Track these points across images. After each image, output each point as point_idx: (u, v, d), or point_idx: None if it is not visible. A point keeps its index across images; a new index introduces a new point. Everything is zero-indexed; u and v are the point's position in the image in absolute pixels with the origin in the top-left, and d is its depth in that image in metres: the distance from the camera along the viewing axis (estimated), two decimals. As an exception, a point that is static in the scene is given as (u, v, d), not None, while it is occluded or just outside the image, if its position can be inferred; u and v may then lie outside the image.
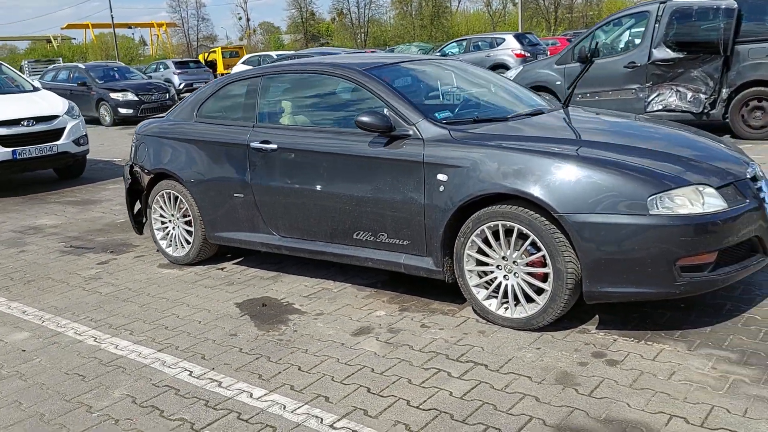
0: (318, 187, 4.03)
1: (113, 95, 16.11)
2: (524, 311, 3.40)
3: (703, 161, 3.42)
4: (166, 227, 5.03)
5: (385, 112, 3.79)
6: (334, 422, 2.71)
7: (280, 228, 4.33)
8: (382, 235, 3.82)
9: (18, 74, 9.69)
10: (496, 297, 3.50)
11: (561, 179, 3.22)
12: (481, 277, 3.53)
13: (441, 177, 3.54)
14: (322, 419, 2.74)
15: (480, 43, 19.05)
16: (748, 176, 3.41)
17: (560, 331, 3.40)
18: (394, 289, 4.14)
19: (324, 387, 3.00)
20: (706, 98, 8.84)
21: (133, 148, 5.20)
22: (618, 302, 3.51)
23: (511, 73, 10.69)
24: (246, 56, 25.93)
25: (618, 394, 2.78)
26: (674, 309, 3.58)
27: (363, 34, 75.49)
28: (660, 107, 9.19)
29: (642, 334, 3.31)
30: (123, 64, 19.72)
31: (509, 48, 17.82)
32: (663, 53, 9.03)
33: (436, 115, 3.81)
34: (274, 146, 4.22)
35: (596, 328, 3.42)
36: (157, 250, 5.16)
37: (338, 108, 4.24)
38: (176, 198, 4.88)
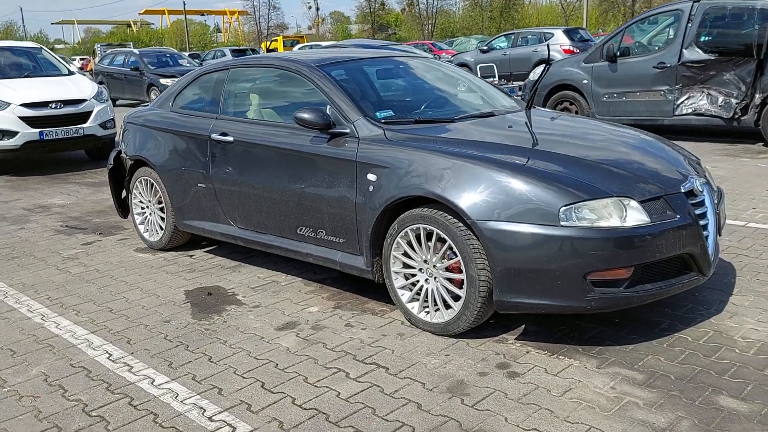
0: (266, 181, 4.08)
1: (163, 81, 16.59)
2: (442, 317, 3.37)
3: (636, 173, 3.29)
4: (144, 213, 5.19)
5: (327, 108, 3.80)
6: (214, 414, 2.76)
7: (237, 220, 4.40)
8: (321, 231, 3.84)
9: (56, 58, 10.11)
10: (418, 300, 3.47)
11: (476, 185, 3.16)
12: (407, 279, 3.51)
13: (371, 177, 3.53)
14: (204, 410, 2.79)
15: (529, 37, 18.67)
16: (683, 190, 3.27)
17: (477, 339, 3.35)
18: (340, 286, 4.16)
19: (223, 379, 3.06)
20: (737, 103, 8.45)
21: (121, 135, 5.38)
22: (544, 314, 3.43)
23: (539, 70, 10.45)
24: (299, 46, 26.23)
25: (501, 408, 2.73)
26: (606, 323, 3.47)
27: (431, 26, 75.15)
28: (689, 111, 8.84)
29: (558, 348, 3.23)
30: (176, 51, 20.28)
31: (557, 43, 17.37)
32: (694, 54, 8.68)
33: (378, 114, 3.79)
34: (231, 139, 4.30)
35: (516, 339, 3.35)
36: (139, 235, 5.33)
37: (290, 103, 4.27)
38: (152, 185, 5.02)
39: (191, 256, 4.96)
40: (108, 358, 3.33)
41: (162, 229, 5.03)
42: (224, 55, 24.98)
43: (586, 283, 3.01)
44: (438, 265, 3.35)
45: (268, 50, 34.07)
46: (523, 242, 3.02)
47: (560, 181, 3.10)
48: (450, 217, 3.21)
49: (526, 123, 3.99)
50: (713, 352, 3.13)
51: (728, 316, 3.51)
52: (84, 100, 8.91)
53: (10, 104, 8.39)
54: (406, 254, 3.47)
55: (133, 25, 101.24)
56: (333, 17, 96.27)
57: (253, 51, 26.87)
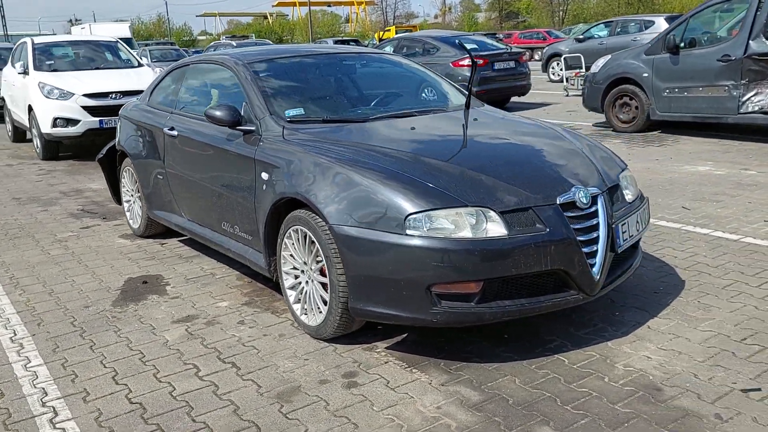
0: (198, 175, 4.20)
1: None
2: (315, 320, 3.32)
3: (511, 181, 3.06)
4: (130, 201, 5.48)
5: (243, 105, 3.84)
6: (50, 400, 2.90)
7: (185, 211, 4.55)
8: (236, 227, 3.90)
9: (129, 52, 10.79)
10: (300, 302, 3.45)
11: (338, 188, 3.09)
12: (295, 279, 3.49)
13: (264, 176, 3.54)
14: (46, 395, 2.94)
15: (630, 25, 17.61)
16: (559, 202, 3.01)
17: (348, 344, 3.28)
18: (266, 282, 4.19)
19: (86, 366, 3.19)
20: (809, 101, 7.58)
21: (117, 126, 5.69)
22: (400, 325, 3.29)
23: (600, 62, 9.87)
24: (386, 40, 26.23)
25: (310, 418, 2.67)
26: (492, 338, 3.28)
27: (562, 12, 72.76)
28: (756, 108, 8.04)
29: (420, 360, 3.10)
30: (270, 42, 20.95)
31: (658, 32, 16.26)
32: (762, 46, 7.86)
33: (288, 112, 3.78)
34: (176, 133, 4.44)
35: (387, 348, 3.24)
36: (132, 222, 5.62)
37: (223, 98, 4.33)
38: (132, 175, 5.28)
39: (162, 244, 5.18)
40: (11, 337, 3.56)
41: (140, 216, 5.29)
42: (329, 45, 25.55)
43: (432, 296, 2.86)
44: (313, 267, 3.30)
45: (381, 40, 34.40)
46: (371, 249, 2.92)
47: (415, 188, 2.96)
48: (319, 219, 3.16)
49: (435, 125, 3.83)
50: (578, 379, 2.88)
51: (631, 341, 3.21)
52: (142, 92, 9.43)
53: (74, 94, 9.07)
54: (292, 255, 3.45)
55: (269, 17, 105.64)
56: (463, 5, 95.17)
57: (356, 42, 27.21)
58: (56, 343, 3.47)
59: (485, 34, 20.94)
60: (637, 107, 9.28)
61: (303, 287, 3.40)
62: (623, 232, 3.18)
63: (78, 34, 34.76)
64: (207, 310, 3.82)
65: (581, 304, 3.19)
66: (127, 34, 33.09)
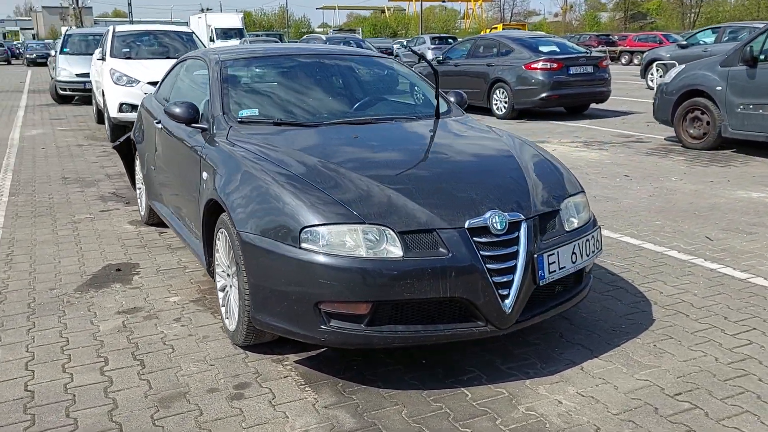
0: (171, 168, 4.27)
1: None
2: (232, 325, 3.28)
3: (420, 200, 2.86)
4: (140, 189, 5.65)
5: (201, 103, 3.86)
6: (-40, 378, 3.02)
7: (165, 202, 4.64)
8: (192, 222, 3.92)
9: (201, 42, 11.17)
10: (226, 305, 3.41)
11: (251, 196, 3.02)
12: (225, 281, 3.46)
13: (204, 175, 3.53)
14: (-41, 373, 3.07)
15: (740, 32, 16.32)
16: (467, 226, 2.79)
17: (260, 353, 3.21)
18: (228, 280, 4.19)
19: (11, 349, 3.30)
20: None
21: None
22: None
23: (673, 71, 9.19)
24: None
25: (175, 426, 2.62)
26: (408, 363, 3.11)
27: (694, 14, 68.93)
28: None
29: (320, 378, 2.98)
30: (360, 38, 21.07)
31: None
32: None
33: (241, 113, 3.75)
34: (160, 126, 4.53)
35: (296, 361, 3.15)
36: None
37: (199, 94, 4.34)
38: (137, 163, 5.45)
39: (160, 233, 5.30)
40: (-32, 313, 3.75)
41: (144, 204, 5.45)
42: (424, 42, 25.36)
43: (321, 314, 2.75)
44: (230, 272, 3.26)
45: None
46: (269, 260, 2.83)
47: (317, 200, 2.84)
48: (231, 225, 3.11)
49: (381, 135, 3.67)
50: (468, 418, 2.67)
51: (552, 381, 2.95)
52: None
53: (139, 82, 9.49)
54: (222, 258, 3.42)
55: (386, 11, 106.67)
56: (588, 3, 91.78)
57: (454, 39, 26.91)
58: (2, 322, 3.61)
59: (568, 37, 20.08)
60: (708, 123, 8.59)
61: (227, 291, 3.36)
62: (550, 263, 2.92)
63: (195, 22, 36.50)
64: (155, 303, 3.86)
65: (494, 336, 2.95)
66: (239, 24, 34.43)
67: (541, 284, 2.88)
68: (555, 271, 2.94)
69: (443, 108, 4.20)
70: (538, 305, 2.98)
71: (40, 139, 10.34)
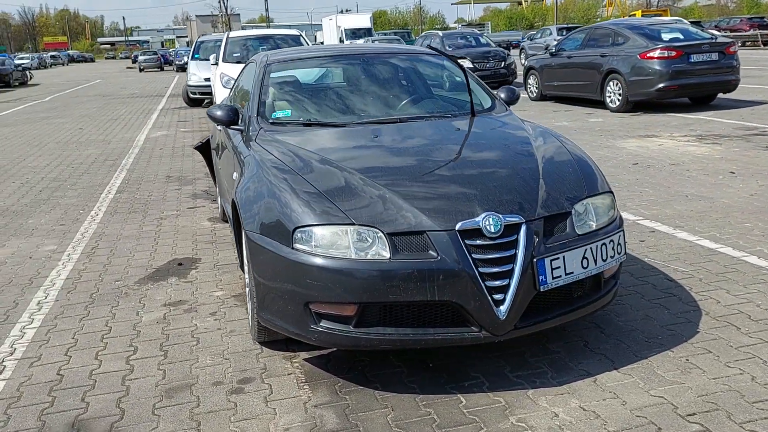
0: (223, 167, 4.47)
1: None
2: (250, 321, 3.38)
3: (414, 201, 2.80)
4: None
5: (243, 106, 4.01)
6: (7, 358, 3.34)
7: (225, 201, 4.86)
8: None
9: (307, 43, 11.53)
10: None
11: (259, 195, 3.10)
12: (253, 279, 3.58)
13: (234, 175, 3.66)
14: (12, 352, 3.40)
15: None
16: (458, 228, 2.69)
17: (274, 350, 3.28)
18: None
19: (61, 335, 3.60)
20: None
21: None
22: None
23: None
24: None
25: (170, 416, 2.75)
26: (414, 366, 3.07)
27: None
28: None
29: (322, 377, 3.00)
30: (477, 32, 20.75)
31: None
32: None
33: (274, 114, 3.84)
34: (220, 128, 4.74)
35: (305, 359, 3.19)
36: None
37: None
38: (216, 163, 5.73)
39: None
40: (38, 300, 4.13)
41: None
42: (550, 33, 24.60)
43: (311, 314, 2.77)
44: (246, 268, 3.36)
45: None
46: (268, 259, 2.90)
47: (312, 201, 2.86)
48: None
49: (403, 134, 3.60)
50: (453, 426, 2.59)
51: (557, 393, 2.79)
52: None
53: (244, 84, 9.96)
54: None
55: (523, 2, 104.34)
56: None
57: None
58: (63, 311, 3.95)
59: (693, 22, 18.63)
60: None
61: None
62: (554, 269, 2.75)
63: (326, 24, 37.67)
64: (199, 297, 4.06)
65: (490, 343, 2.83)
66: (367, 24, 35.14)
67: (542, 290, 2.73)
68: (560, 276, 2.77)
69: (487, 105, 4.07)
70: (542, 312, 2.83)
71: (161, 141, 11.13)
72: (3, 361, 3.33)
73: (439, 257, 2.65)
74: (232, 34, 11.78)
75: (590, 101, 12.51)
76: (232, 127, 3.95)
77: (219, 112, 3.92)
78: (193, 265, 4.67)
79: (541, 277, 2.72)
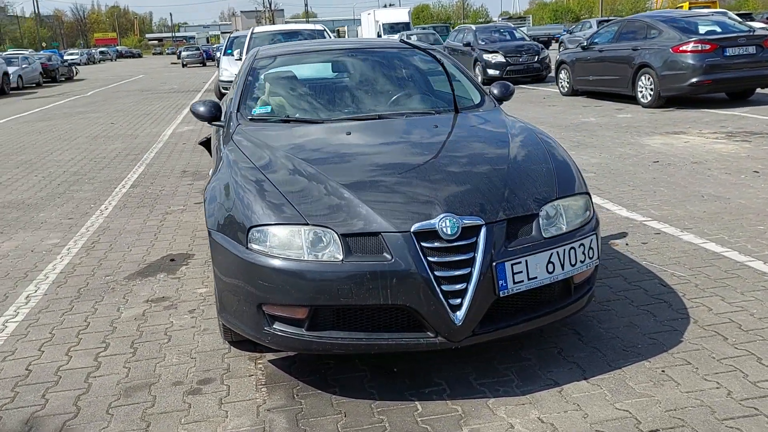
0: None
1: (486, 56, 17.10)
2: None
3: (371, 201, 2.71)
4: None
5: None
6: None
7: None
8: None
9: (329, 37, 11.48)
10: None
11: (221, 194, 3.05)
12: (228, 278, 3.54)
13: (211, 172, 3.63)
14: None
15: None
16: (413, 230, 2.59)
17: (242, 351, 3.23)
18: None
19: (39, 330, 3.62)
20: None
21: None
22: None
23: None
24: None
25: (124, 416, 2.73)
26: (379, 371, 2.99)
27: None
28: None
29: (282, 380, 2.94)
30: (512, 26, 20.41)
31: None
32: None
33: (255, 110, 3.80)
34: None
35: (270, 360, 3.14)
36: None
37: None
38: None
39: (233, 225, 5.54)
40: (27, 294, 4.18)
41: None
42: (591, 26, 24.05)
43: (264, 315, 2.71)
44: (218, 269, 3.32)
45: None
46: (225, 258, 2.85)
47: (269, 200, 2.80)
48: None
49: (375, 131, 3.52)
50: (400, 435, 2.51)
51: (518, 403, 2.67)
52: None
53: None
54: (222, 253, 3.49)
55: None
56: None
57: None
58: (48, 305, 3.98)
59: (743, 14, 17.96)
60: None
61: (223, 287, 3.43)
62: (516, 273, 2.63)
63: (365, 19, 37.65)
64: (182, 294, 4.04)
65: (446, 349, 2.72)
66: (405, 18, 34.98)
67: (501, 295, 2.61)
68: (522, 281, 2.64)
69: (476, 101, 3.95)
70: (504, 318, 2.71)
71: (186, 135, 11.24)
72: (-23, 355, 3.36)
73: (393, 260, 2.56)
74: (257, 29, 11.83)
75: (622, 96, 12.17)
76: (213, 123, 3.92)
77: (201, 108, 3.89)
78: (184, 261, 4.67)
79: (501, 282, 2.60)
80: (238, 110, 3.79)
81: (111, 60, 73.14)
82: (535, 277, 2.67)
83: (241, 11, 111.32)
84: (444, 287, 2.56)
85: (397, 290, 2.54)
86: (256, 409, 2.73)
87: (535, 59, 16.95)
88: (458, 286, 2.57)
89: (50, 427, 2.69)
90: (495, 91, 4.15)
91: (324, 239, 2.63)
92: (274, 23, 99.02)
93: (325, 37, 11.35)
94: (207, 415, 2.70)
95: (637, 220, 5.02)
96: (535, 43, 18.24)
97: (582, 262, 2.80)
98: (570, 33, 26.11)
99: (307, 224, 2.66)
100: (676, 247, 4.37)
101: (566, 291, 2.86)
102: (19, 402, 2.89)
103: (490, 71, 16.90)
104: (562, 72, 14.09)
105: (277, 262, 2.62)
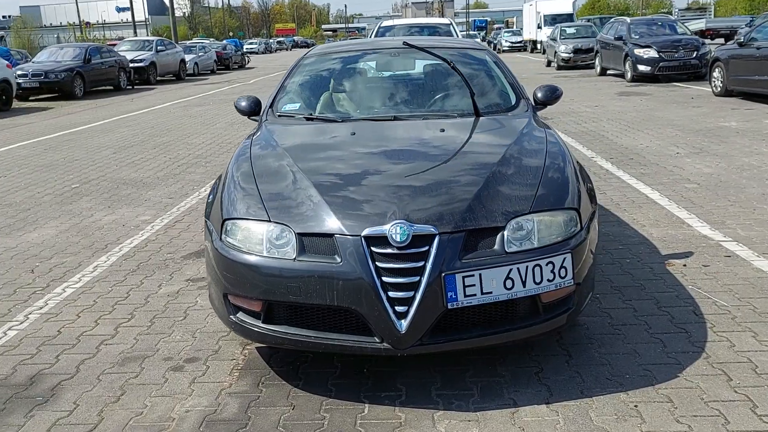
0: None
1: (637, 51, 16.11)
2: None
3: (335, 203, 2.75)
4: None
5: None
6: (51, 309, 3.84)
7: None
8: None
9: (456, 31, 11.43)
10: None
11: (216, 186, 3.25)
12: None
13: (239, 164, 3.83)
14: (45, 305, 3.90)
15: None
16: (363, 234, 2.59)
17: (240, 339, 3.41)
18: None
19: (94, 298, 4.04)
20: None
21: None
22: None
23: None
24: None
25: (108, 384, 2.99)
26: (352, 371, 3.04)
27: None
28: None
29: (257, 367, 3.07)
30: (673, 18, 18.91)
31: None
32: None
33: (284, 107, 3.95)
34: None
35: (259, 348, 3.28)
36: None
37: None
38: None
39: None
40: (98, 264, 4.66)
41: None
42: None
43: (230, 305, 2.86)
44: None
45: None
46: (208, 246, 3.03)
47: (245, 195, 2.95)
48: None
49: (381, 132, 3.51)
50: (331, 435, 2.54)
51: (464, 419, 2.60)
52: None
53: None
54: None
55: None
56: None
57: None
58: (107, 275, 4.41)
59: None
60: None
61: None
62: (467, 286, 2.55)
63: (527, 10, 36.78)
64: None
65: (392, 356, 2.69)
66: (569, 9, 33.75)
67: (449, 307, 2.55)
68: (474, 295, 2.56)
69: (509, 104, 3.83)
70: (458, 330, 2.64)
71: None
72: (30, 314, 3.82)
73: (342, 262, 2.58)
74: (384, 22, 12.03)
75: (779, 100, 10.99)
76: (251, 117, 4.11)
77: (243, 103, 4.11)
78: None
79: (450, 294, 2.54)
80: (270, 106, 3.96)
81: (286, 50, 77.42)
82: (490, 292, 2.57)
83: (413, 2, 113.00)
84: (391, 294, 2.55)
85: (343, 293, 2.56)
86: (218, 392, 2.88)
87: (693, 55, 15.70)
88: (405, 294, 2.55)
89: (48, 384, 3.01)
90: (539, 95, 3.98)
91: (283, 237, 2.71)
92: (443, 15, 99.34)
93: (451, 32, 11.30)
94: (174, 392, 2.89)
95: (714, 240, 4.57)
96: (695, 37, 16.86)
97: (550, 281, 2.64)
98: (748, 26, 23.71)
99: (270, 221, 2.75)
100: (739, 274, 3.94)
101: (533, 310, 2.71)
102: (36, 359, 3.26)
103: (641, 67, 15.91)
104: (716, 71, 12.94)
105: (237, 255, 2.75)
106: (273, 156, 3.25)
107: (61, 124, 13.17)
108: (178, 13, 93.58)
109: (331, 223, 2.67)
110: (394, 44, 4.57)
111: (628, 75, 16.43)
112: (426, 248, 2.57)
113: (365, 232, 2.60)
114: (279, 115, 3.89)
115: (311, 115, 3.87)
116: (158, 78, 24.10)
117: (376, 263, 2.56)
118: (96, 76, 19.73)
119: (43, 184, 7.41)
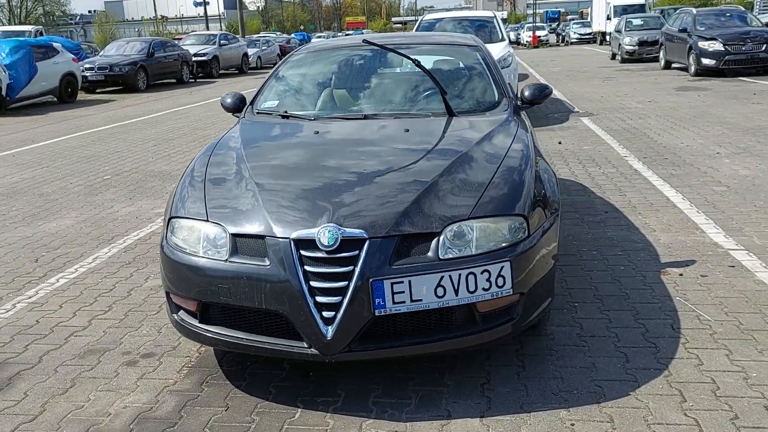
0: None
1: (701, 44, 15.39)
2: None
3: (271, 204, 2.72)
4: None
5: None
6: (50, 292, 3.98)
7: None
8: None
9: (499, 27, 11.17)
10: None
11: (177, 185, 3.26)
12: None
13: (216, 161, 3.85)
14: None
15: None
16: (292, 237, 2.54)
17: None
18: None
19: (75, 290, 4.16)
20: None
21: None
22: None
23: None
24: None
25: (60, 380, 3.06)
26: (324, 379, 3.01)
27: None
28: None
29: (213, 369, 3.08)
30: (743, 9, 17.90)
31: None
32: None
33: (262, 105, 3.95)
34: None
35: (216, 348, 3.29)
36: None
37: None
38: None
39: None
40: (98, 255, 4.79)
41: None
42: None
43: (172, 303, 2.88)
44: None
45: None
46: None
47: (192, 193, 2.95)
48: None
49: (345, 131, 3.46)
50: (252, 439, 2.52)
51: (391, 429, 2.53)
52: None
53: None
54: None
55: None
56: None
57: None
58: (103, 267, 4.52)
59: None
60: None
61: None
62: (396, 293, 2.47)
63: (597, 1, 35.71)
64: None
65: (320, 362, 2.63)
66: (641, 0, 32.51)
67: (378, 314, 2.47)
68: (404, 302, 2.48)
69: (490, 103, 3.70)
70: (389, 338, 2.57)
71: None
72: (18, 303, 3.95)
73: (270, 265, 2.55)
74: (427, 16, 11.87)
75: None
76: (234, 114, 4.12)
77: (228, 100, 4.12)
78: (239, 241, 4.97)
79: (377, 300, 2.47)
80: (251, 103, 3.95)
81: (355, 42, 77.72)
82: (420, 300, 2.48)
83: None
84: (318, 298, 2.50)
85: (271, 296, 2.53)
86: (162, 390, 2.89)
87: (763, 48, 14.86)
88: (332, 299, 2.49)
89: (7, 373, 3.11)
90: (526, 93, 3.83)
91: (218, 237, 2.70)
92: (515, 8, 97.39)
93: (489, 26, 11.06)
94: (120, 387, 2.93)
95: (724, 248, 4.30)
96: (766, 29, 15.94)
97: (486, 290, 2.53)
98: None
99: (207, 221, 2.75)
100: (737, 286, 3.69)
101: (470, 319, 2.60)
102: (6, 348, 3.37)
103: (705, 61, 15.19)
104: (781, 65, 12.22)
105: (175, 254, 2.75)
106: (230, 155, 3.25)
107: (117, 116, 13.65)
108: (252, 8, 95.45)
109: (263, 224, 2.64)
110: (357, 42, 4.48)
111: (692, 69, 15.72)
112: (355, 253, 2.50)
113: (294, 235, 2.56)
114: (257, 113, 3.89)
115: (286, 113, 3.84)
116: (221, 71, 24.63)
117: (305, 267, 2.52)
118: (159, 70, 20.35)
119: (79, 175, 7.68)
